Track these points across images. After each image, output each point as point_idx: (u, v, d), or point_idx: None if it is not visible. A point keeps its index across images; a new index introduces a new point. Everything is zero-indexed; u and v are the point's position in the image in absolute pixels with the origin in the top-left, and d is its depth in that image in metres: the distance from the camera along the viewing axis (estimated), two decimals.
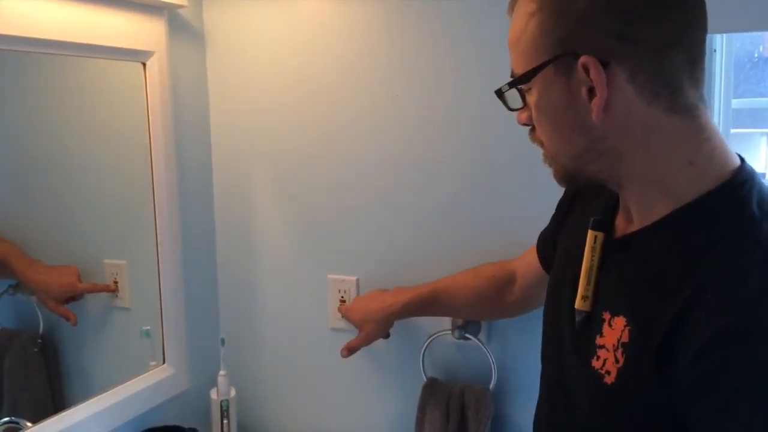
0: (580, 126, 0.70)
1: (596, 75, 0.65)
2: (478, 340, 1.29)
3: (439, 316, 1.30)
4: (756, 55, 1.92)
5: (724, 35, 1.24)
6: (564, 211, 0.96)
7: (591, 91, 0.67)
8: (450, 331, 1.30)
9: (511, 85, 0.74)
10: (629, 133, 0.69)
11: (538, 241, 1.09)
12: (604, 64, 0.65)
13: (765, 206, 0.66)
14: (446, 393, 1.29)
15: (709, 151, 0.69)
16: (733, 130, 1.35)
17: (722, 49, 1.26)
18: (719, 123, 1.26)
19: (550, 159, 0.77)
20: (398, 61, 1.32)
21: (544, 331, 0.90)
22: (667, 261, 0.68)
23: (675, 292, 0.65)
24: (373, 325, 1.28)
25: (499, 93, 0.76)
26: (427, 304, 1.23)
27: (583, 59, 0.66)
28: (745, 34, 1.46)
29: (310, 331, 1.48)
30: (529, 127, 0.77)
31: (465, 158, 1.30)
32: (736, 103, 1.27)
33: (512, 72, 0.74)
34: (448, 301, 1.22)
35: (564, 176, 0.76)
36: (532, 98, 0.73)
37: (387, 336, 1.31)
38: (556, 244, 0.96)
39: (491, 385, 1.28)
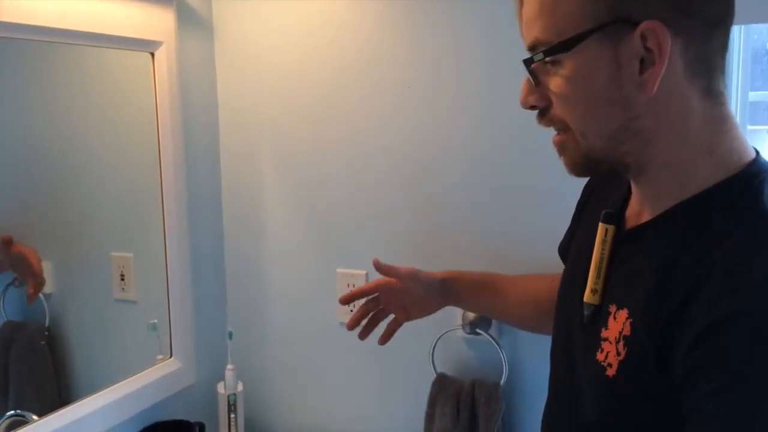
0: (622, 101, 0.66)
1: (662, 42, 0.62)
2: (489, 335, 1.27)
3: (478, 312, 1.22)
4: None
5: (742, 27, 1.23)
6: (580, 208, 0.95)
7: (643, 62, 0.64)
8: (460, 327, 1.29)
9: (547, 53, 0.67)
10: (667, 112, 0.66)
11: (559, 249, 1.03)
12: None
13: None
14: (456, 388, 1.27)
15: (729, 142, 0.68)
16: (750, 127, 1.33)
17: (740, 42, 1.24)
18: (737, 116, 1.25)
19: (570, 141, 0.71)
20: (407, 51, 1.31)
21: (555, 327, 0.88)
22: (676, 252, 0.67)
23: (679, 284, 0.64)
24: (419, 285, 1.10)
25: (529, 62, 0.69)
26: (484, 285, 1.11)
27: (646, 25, 0.62)
28: (763, 26, 1.44)
29: (319, 325, 1.46)
30: (538, 110, 0.72)
31: (477, 151, 1.28)
32: (753, 96, 1.25)
33: (534, 44, 0.69)
34: (505, 289, 1.10)
35: (585, 161, 0.71)
36: (555, 75, 0.68)
37: (427, 313, 1.14)
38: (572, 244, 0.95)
39: (502, 381, 1.27)
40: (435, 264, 1.29)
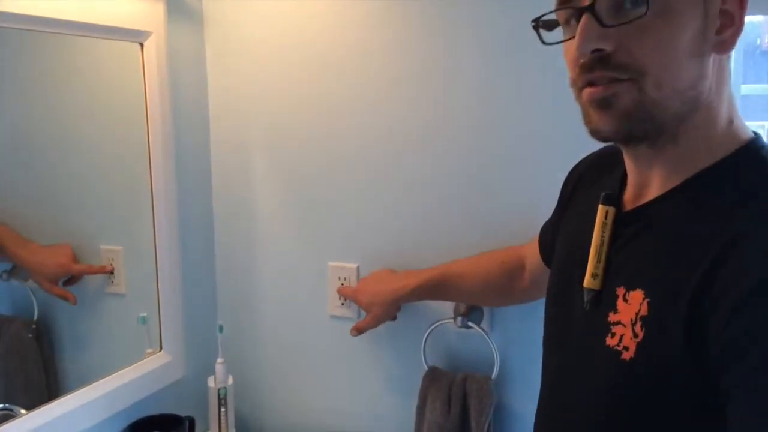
0: (701, 57, 0.65)
1: (743, 5, 0.65)
2: (481, 328, 1.27)
3: (446, 301, 1.29)
4: (758, 42, 1.91)
5: None
6: (567, 196, 0.95)
7: (725, 16, 0.65)
8: (452, 319, 1.29)
9: None
10: (719, 77, 0.67)
11: (540, 231, 1.07)
12: None
13: None
14: (448, 382, 1.27)
15: (738, 115, 0.70)
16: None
17: None
18: None
19: (632, 90, 0.65)
20: (399, 43, 1.30)
21: (547, 318, 0.87)
22: (691, 226, 0.66)
23: (701, 256, 0.62)
24: (380, 309, 1.27)
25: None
26: (437, 288, 1.22)
27: None
28: (755, 22, 1.44)
29: (310, 318, 1.46)
30: (595, 57, 0.66)
31: (470, 143, 1.28)
32: (745, 89, 1.25)
33: None
34: (457, 285, 1.21)
35: (635, 114, 0.66)
36: (640, 16, 0.63)
37: (394, 318, 1.31)
38: (556, 233, 0.94)
39: (493, 374, 1.27)
40: (425, 257, 1.30)
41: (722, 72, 0.68)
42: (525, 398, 1.29)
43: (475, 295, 1.24)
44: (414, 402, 1.30)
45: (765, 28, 1.87)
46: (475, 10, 1.23)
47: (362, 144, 1.36)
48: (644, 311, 0.67)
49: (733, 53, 1.23)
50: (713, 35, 0.65)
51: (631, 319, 0.68)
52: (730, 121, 0.68)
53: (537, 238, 1.09)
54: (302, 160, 1.42)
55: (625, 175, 0.78)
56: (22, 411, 1.10)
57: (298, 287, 1.47)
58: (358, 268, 1.39)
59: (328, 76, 1.37)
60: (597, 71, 0.66)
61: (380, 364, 1.41)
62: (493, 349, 1.27)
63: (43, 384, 1.16)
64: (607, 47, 0.65)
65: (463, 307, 1.28)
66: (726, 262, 0.61)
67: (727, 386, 0.59)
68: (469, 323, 1.27)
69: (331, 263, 1.42)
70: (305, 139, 1.41)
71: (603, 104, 0.67)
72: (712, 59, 0.66)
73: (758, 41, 1.91)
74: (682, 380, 0.63)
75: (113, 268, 1.27)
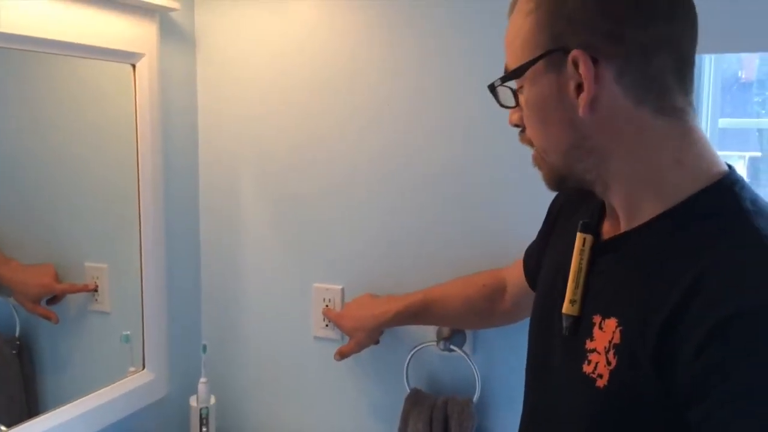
0: (568, 122, 0.71)
1: (585, 69, 0.67)
2: (463, 351, 1.28)
3: (428, 325, 1.30)
4: (740, 74, 1.96)
5: (713, 56, 1.26)
6: (551, 223, 0.96)
7: (579, 87, 0.69)
8: (435, 342, 1.30)
9: (503, 79, 0.75)
10: (615, 131, 0.70)
11: (525, 255, 1.09)
12: (594, 61, 0.67)
13: (757, 204, 0.68)
14: (429, 404, 1.28)
15: (698, 152, 0.70)
16: (719, 153, 1.36)
17: (710, 70, 1.27)
18: None
19: (540, 159, 0.77)
20: (388, 67, 1.32)
21: (530, 343, 0.88)
22: (663, 258, 0.68)
23: (672, 287, 0.64)
24: (363, 334, 1.28)
25: (492, 88, 0.77)
26: (418, 313, 1.23)
27: (573, 53, 0.68)
28: (733, 56, 1.48)
29: (294, 339, 1.46)
30: (520, 129, 0.78)
31: (456, 165, 1.29)
32: (723, 122, 1.28)
33: (506, 69, 0.76)
34: (439, 310, 1.22)
35: (553, 177, 0.77)
36: (524, 97, 0.75)
37: (377, 342, 1.32)
38: (541, 258, 0.96)
39: (475, 397, 1.28)
40: (410, 279, 1.31)
41: (632, 124, 0.69)
42: (506, 421, 1.30)
43: (457, 319, 1.25)
44: (396, 424, 1.31)
45: (745, 63, 1.92)
46: (472, 33, 1.24)
47: (349, 167, 1.38)
48: (617, 339, 0.69)
49: (711, 87, 1.27)
50: (574, 101, 0.69)
51: (605, 347, 0.70)
52: (678, 162, 0.69)
53: (520, 261, 1.10)
54: (289, 182, 1.43)
55: (603, 205, 0.80)
56: (3, 428, 1.09)
57: (282, 308, 1.47)
58: (342, 290, 1.40)
59: (317, 99, 1.39)
60: (520, 140, 0.79)
61: (363, 386, 1.42)
62: (475, 372, 1.28)
63: (24, 401, 1.16)
64: (520, 124, 0.78)
65: (446, 331, 1.29)
66: (696, 296, 0.62)
67: (698, 419, 0.60)
68: (452, 346, 1.28)
69: (315, 284, 1.43)
70: (293, 162, 1.42)
71: (536, 166, 0.79)
72: (600, 118, 0.69)
73: (740, 73, 1.95)
74: (653, 409, 0.65)
75: (97, 286, 1.27)
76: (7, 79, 1.10)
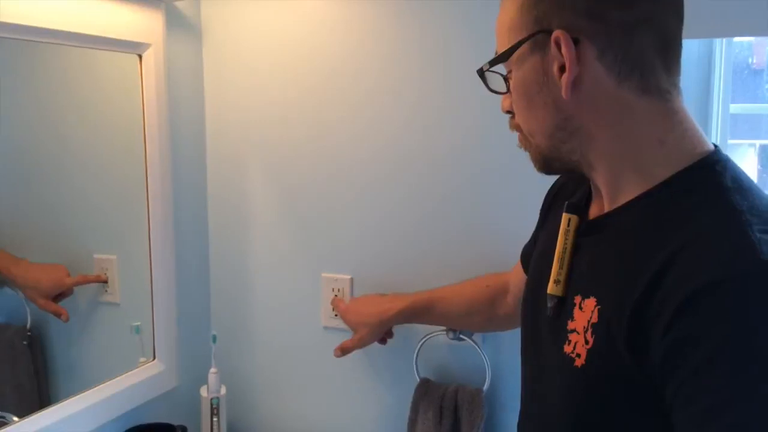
0: (552, 103, 0.71)
1: (566, 50, 0.68)
2: (473, 341, 1.28)
3: (433, 325, 1.30)
4: (751, 60, 1.94)
5: (723, 40, 1.25)
6: (544, 213, 0.97)
7: (562, 68, 0.69)
8: (444, 332, 1.30)
9: (491, 63, 0.76)
10: (598, 111, 0.70)
11: (521, 254, 1.08)
12: (576, 41, 0.68)
13: (738, 181, 0.67)
14: (439, 394, 1.28)
15: (681, 133, 0.70)
16: (730, 141, 1.35)
17: (721, 55, 1.26)
18: (718, 128, 1.27)
19: (526, 141, 0.78)
20: (395, 56, 1.32)
21: (522, 325, 0.89)
22: (641, 237, 0.68)
23: (646, 265, 0.64)
24: (366, 330, 1.28)
25: (480, 72, 0.78)
26: (422, 312, 1.24)
27: (555, 34, 0.68)
28: (744, 42, 1.46)
29: (303, 329, 1.46)
30: (510, 114, 0.79)
31: (462, 156, 1.29)
32: (734, 108, 1.27)
33: (495, 54, 0.77)
34: (442, 310, 1.23)
35: (539, 159, 0.78)
36: (512, 82, 0.75)
37: (384, 342, 1.32)
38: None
39: (485, 387, 1.28)
40: (419, 269, 1.31)
41: (615, 104, 0.70)
42: (516, 410, 1.29)
43: (459, 319, 1.25)
44: (406, 414, 1.31)
45: (756, 49, 1.90)
46: (476, 27, 1.24)
47: (358, 156, 1.37)
48: (595, 319, 0.69)
49: (722, 73, 1.26)
50: (558, 82, 0.69)
51: (584, 327, 0.70)
52: (660, 142, 0.69)
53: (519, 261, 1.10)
54: (298, 171, 1.43)
55: (591, 187, 0.81)
56: (15, 418, 1.10)
57: (291, 298, 1.47)
58: (351, 280, 1.40)
59: (325, 89, 1.38)
60: (510, 125, 0.81)
61: (372, 376, 1.42)
62: (485, 362, 1.28)
63: (35, 391, 1.16)
64: (511, 109, 0.78)
65: None
66: (668, 272, 0.62)
67: (672, 391, 0.60)
68: (461, 335, 1.28)
69: (324, 274, 1.43)
70: (301, 151, 1.42)
71: (524, 148, 0.80)
72: (583, 98, 0.70)
73: (750, 60, 1.94)
74: (630, 386, 0.65)
75: (107, 278, 1.27)
76: (13, 70, 1.09)
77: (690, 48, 1.24)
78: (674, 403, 0.60)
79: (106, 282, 1.27)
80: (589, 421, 0.70)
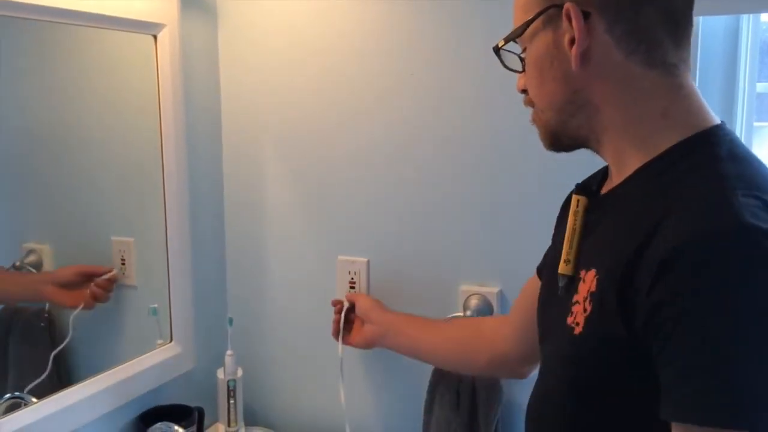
0: (562, 77, 0.73)
1: (576, 22, 0.69)
2: None
3: (432, 326, 1.27)
4: None
5: (751, 16, 1.21)
6: (557, 232, 0.95)
7: (572, 41, 0.70)
8: (462, 315, 1.28)
9: (506, 39, 0.78)
10: (606, 84, 0.72)
11: (537, 268, 1.03)
12: (586, 15, 0.69)
13: (734, 151, 0.69)
14: (456, 377, 1.27)
15: (686, 107, 0.71)
16: (756, 123, 1.31)
17: (747, 32, 1.22)
18: (744, 109, 1.23)
19: (537, 117, 0.79)
20: (413, 39, 1.30)
21: (538, 315, 0.90)
22: (634, 207, 0.70)
23: (639, 231, 0.66)
24: (371, 324, 1.31)
25: (496, 50, 0.80)
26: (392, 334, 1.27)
27: (566, 6, 0.70)
28: None
29: (319, 312, 1.46)
30: (525, 93, 0.81)
31: (481, 137, 1.27)
32: (761, 87, 1.24)
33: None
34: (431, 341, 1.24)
35: (548, 134, 0.79)
36: (526, 59, 0.77)
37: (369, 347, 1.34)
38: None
39: None
40: (436, 252, 1.29)
41: (622, 76, 0.71)
42: None
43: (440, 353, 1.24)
44: (422, 397, 1.30)
45: None
46: (491, 18, 1.22)
47: (374, 138, 1.36)
48: (593, 288, 0.70)
49: (748, 51, 1.22)
50: (568, 55, 0.71)
51: (584, 297, 0.72)
52: (663, 114, 0.71)
53: (519, 295, 1.08)
54: (313, 153, 1.42)
55: (606, 171, 0.82)
56: (33, 399, 1.10)
57: (307, 281, 1.47)
58: (368, 263, 1.39)
59: (340, 69, 1.36)
60: (525, 103, 0.82)
61: (389, 358, 1.41)
62: None
63: (54, 373, 1.17)
64: (526, 89, 0.80)
65: (473, 301, 1.28)
66: (654, 236, 0.64)
67: (656, 351, 0.62)
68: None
69: (341, 257, 1.42)
70: (316, 133, 1.41)
71: (535, 124, 0.81)
72: (591, 71, 0.71)
73: None
74: (623, 351, 0.66)
75: (124, 260, 1.27)
76: (29, 51, 1.09)
77: (715, 25, 1.21)
78: (658, 362, 0.62)
79: (123, 265, 1.27)
80: (586, 385, 0.71)
